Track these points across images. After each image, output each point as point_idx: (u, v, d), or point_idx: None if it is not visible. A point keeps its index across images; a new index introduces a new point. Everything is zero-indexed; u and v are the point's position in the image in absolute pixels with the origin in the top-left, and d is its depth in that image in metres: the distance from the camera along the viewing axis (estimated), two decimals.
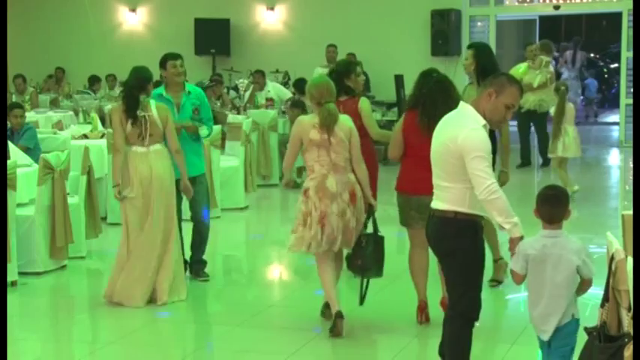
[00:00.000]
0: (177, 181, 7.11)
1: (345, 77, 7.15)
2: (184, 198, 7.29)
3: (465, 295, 4.67)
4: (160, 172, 6.68)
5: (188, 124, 7.26)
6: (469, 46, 7.35)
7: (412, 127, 5.98)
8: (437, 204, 4.71)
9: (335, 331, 5.92)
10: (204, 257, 7.55)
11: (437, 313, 6.08)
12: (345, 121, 6.11)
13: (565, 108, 11.04)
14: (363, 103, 7.05)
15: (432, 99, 5.89)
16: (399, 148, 6.12)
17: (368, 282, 6.17)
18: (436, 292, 6.13)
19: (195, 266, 7.50)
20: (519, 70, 13.86)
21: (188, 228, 7.51)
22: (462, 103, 4.83)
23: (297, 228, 6.02)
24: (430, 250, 5.83)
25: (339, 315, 5.92)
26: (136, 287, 6.66)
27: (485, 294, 7.02)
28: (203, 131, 7.40)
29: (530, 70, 13.82)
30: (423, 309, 6.15)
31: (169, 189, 6.78)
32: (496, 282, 7.05)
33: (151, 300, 6.74)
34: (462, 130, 4.54)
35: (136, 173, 6.64)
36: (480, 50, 7.17)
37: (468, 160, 4.48)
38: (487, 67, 6.86)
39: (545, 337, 4.46)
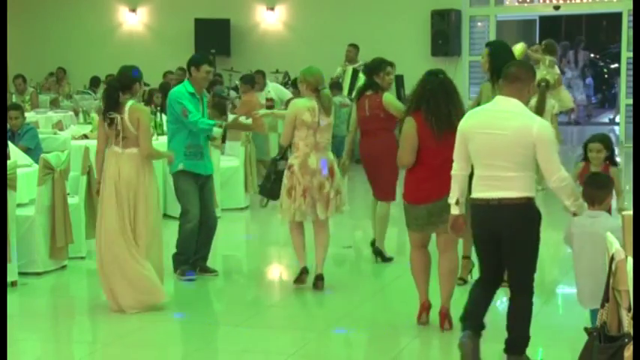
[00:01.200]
0: (197, 177, 7.35)
1: (374, 74, 7.82)
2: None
3: (533, 274, 5.12)
4: (129, 177, 6.45)
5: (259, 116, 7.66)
6: (486, 45, 7.20)
7: (425, 130, 5.80)
8: (502, 193, 4.91)
9: (299, 281, 7.05)
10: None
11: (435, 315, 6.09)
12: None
13: (545, 104, 11.11)
14: (387, 97, 7.77)
15: (435, 98, 5.82)
16: (412, 153, 5.85)
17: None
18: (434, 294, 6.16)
19: (201, 263, 7.57)
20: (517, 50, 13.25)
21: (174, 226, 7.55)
22: (503, 98, 5.03)
23: (283, 201, 6.94)
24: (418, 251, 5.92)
25: (305, 270, 7.06)
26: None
27: None
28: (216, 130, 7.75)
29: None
30: (426, 309, 6.06)
31: (143, 194, 6.49)
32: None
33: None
34: (533, 122, 4.91)
35: (107, 172, 6.53)
36: (495, 49, 7.00)
37: (543, 149, 4.84)
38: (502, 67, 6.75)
39: (590, 306, 4.97)
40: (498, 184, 4.91)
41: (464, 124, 5.11)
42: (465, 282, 7.02)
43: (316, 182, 6.87)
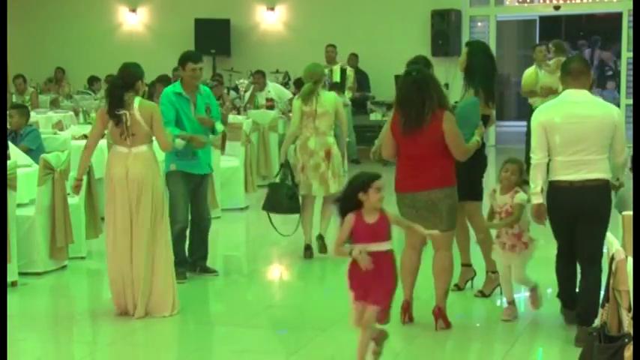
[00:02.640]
0: (190, 178, 7.31)
1: None
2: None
3: (603, 247, 5.49)
4: (137, 175, 6.32)
5: (205, 117, 7.36)
6: (466, 44, 7.25)
7: (398, 128, 6.00)
8: (586, 175, 5.47)
9: (306, 256, 8.13)
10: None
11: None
12: (330, 97, 8.21)
13: None
14: None
15: (406, 102, 5.95)
16: (390, 147, 6.11)
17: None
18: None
19: (201, 262, 7.57)
20: (530, 75, 12.72)
21: None
22: (574, 90, 5.59)
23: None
24: (409, 251, 6.00)
25: (308, 247, 8.15)
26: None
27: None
28: (219, 126, 7.51)
29: (545, 72, 12.42)
30: (406, 309, 6.13)
31: (150, 193, 6.34)
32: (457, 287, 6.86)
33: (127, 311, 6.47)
34: (612, 108, 5.65)
35: (110, 173, 6.42)
36: (473, 49, 6.99)
37: (620, 131, 5.55)
38: (480, 67, 6.75)
39: None
40: (582, 167, 5.47)
41: (542, 119, 5.61)
42: (460, 289, 6.92)
43: (312, 162, 8.01)
